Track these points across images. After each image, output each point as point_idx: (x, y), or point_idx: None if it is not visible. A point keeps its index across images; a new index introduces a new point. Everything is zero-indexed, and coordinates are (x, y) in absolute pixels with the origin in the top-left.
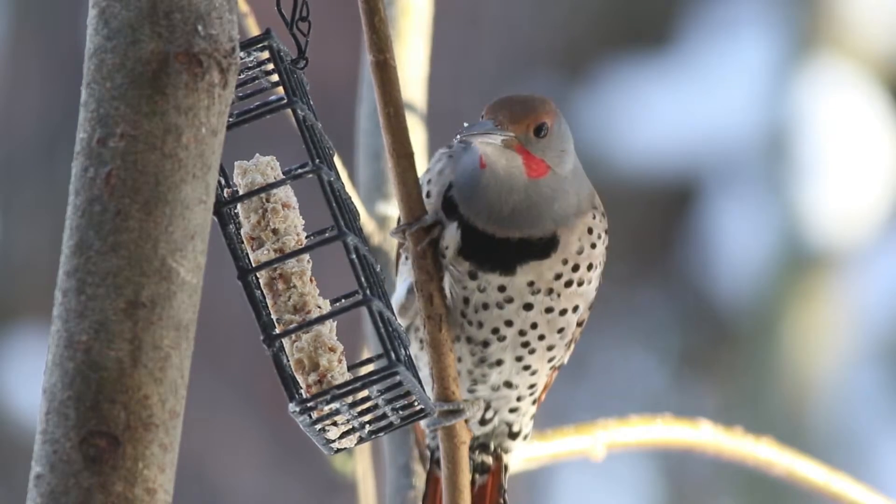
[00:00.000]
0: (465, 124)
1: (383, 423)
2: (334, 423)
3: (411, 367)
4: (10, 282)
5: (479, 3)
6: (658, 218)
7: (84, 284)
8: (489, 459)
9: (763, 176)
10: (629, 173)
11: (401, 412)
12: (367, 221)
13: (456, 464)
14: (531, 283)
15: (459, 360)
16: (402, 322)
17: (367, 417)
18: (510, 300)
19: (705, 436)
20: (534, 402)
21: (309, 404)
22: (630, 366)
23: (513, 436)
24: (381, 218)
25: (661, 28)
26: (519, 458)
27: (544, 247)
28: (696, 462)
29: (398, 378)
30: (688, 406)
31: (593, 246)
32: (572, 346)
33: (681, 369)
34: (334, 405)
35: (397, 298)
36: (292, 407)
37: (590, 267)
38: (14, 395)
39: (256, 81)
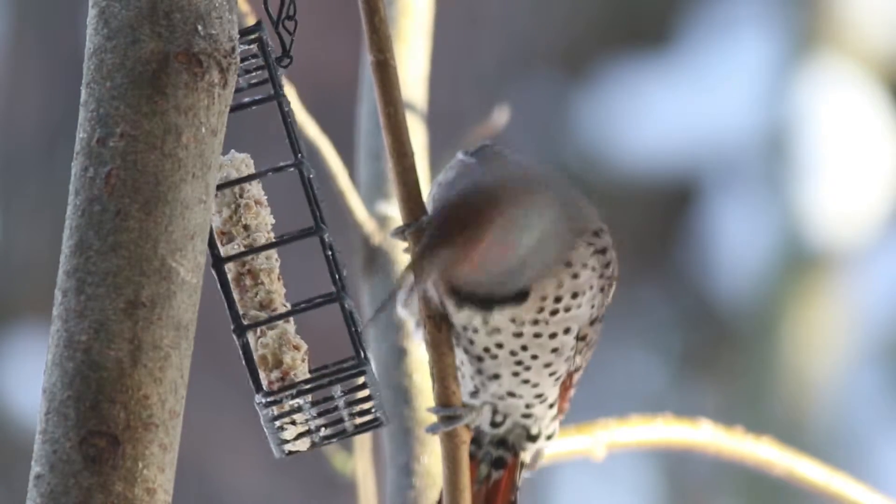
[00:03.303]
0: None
1: (336, 428)
2: (293, 422)
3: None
4: (10, 282)
5: (479, 3)
6: (658, 218)
7: (84, 284)
8: (507, 455)
9: (763, 176)
10: (629, 173)
11: (356, 419)
12: (367, 221)
13: (456, 464)
14: (513, 320)
15: (462, 364)
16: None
17: (323, 420)
18: (497, 331)
19: (705, 436)
20: (551, 406)
21: (275, 397)
22: (630, 366)
23: (531, 438)
24: (382, 218)
25: (661, 28)
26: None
27: (515, 298)
28: (696, 462)
29: (363, 379)
30: (688, 406)
31: (575, 276)
32: (587, 354)
33: (681, 369)
34: (298, 401)
35: (400, 297)
36: (258, 398)
37: (575, 295)
38: (14, 395)
39: (248, 74)
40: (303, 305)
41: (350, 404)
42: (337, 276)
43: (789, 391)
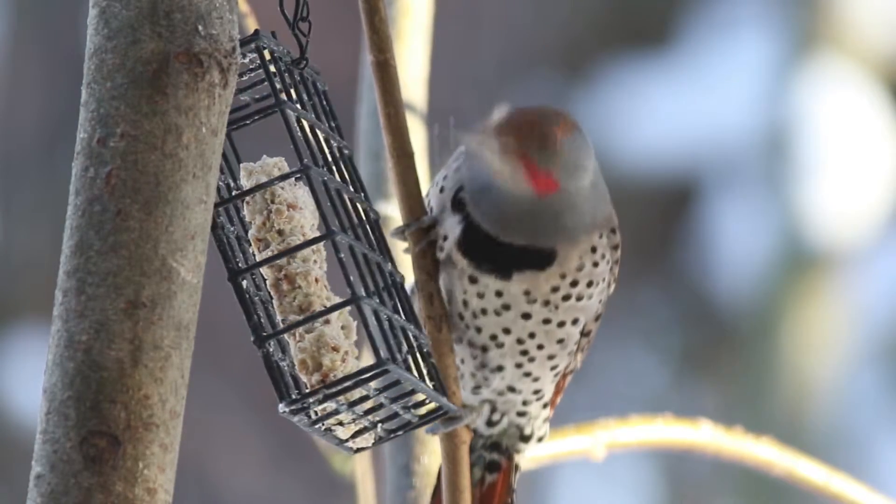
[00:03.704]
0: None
1: (399, 421)
2: (340, 423)
3: (419, 365)
4: (10, 282)
5: (479, 3)
6: (658, 218)
7: (84, 284)
8: (500, 458)
9: (763, 176)
10: (629, 173)
11: (414, 410)
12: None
13: (456, 464)
14: (527, 293)
15: (462, 361)
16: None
17: (377, 416)
18: (507, 307)
19: (705, 436)
20: (544, 406)
21: (301, 405)
22: (630, 366)
23: (524, 439)
24: (382, 218)
25: (661, 28)
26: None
27: (542, 258)
28: (696, 462)
29: (394, 377)
30: (688, 406)
31: (595, 264)
32: (584, 353)
33: (681, 369)
34: (330, 404)
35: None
36: (282, 407)
37: (590, 284)
38: (14, 395)
39: (265, 83)
40: (319, 310)
41: (395, 400)
42: (351, 278)
43: (789, 391)
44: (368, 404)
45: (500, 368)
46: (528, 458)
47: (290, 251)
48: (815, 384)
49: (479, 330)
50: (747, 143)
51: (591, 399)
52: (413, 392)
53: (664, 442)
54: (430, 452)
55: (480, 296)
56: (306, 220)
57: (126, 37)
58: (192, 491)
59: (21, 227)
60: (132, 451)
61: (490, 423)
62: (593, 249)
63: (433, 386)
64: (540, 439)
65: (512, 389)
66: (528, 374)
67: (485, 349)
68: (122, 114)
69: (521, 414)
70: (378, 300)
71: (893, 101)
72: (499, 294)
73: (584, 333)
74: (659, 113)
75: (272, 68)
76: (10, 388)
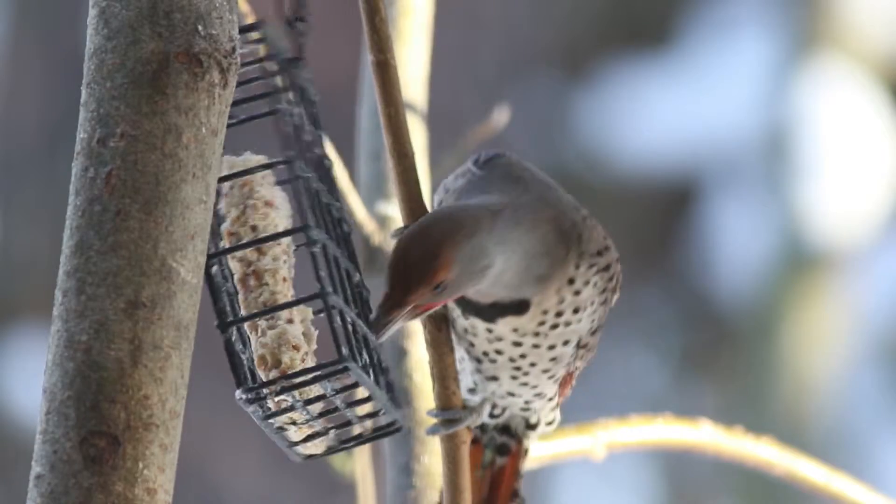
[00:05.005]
0: (372, 314)
1: (351, 432)
2: (293, 423)
3: (378, 375)
4: (10, 282)
5: (479, 3)
6: (658, 218)
7: (84, 284)
8: (511, 442)
9: (763, 176)
10: (629, 173)
11: (366, 421)
12: (367, 221)
13: (456, 464)
14: (515, 331)
15: (461, 359)
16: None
17: (331, 423)
18: (499, 339)
19: (705, 436)
20: (550, 399)
21: (257, 393)
22: (630, 366)
23: (531, 426)
24: (382, 218)
25: (661, 28)
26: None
27: (519, 308)
28: (696, 462)
29: (353, 378)
30: (688, 406)
31: (577, 293)
32: (587, 358)
33: (681, 369)
34: (285, 398)
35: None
36: (238, 394)
37: (576, 310)
38: (14, 395)
39: (258, 80)
40: (284, 301)
41: (350, 405)
42: (321, 273)
43: (789, 391)
44: (323, 405)
45: (494, 378)
46: (528, 459)
47: (265, 239)
48: (815, 384)
49: (471, 345)
50: (747, 143)
51: (591, 399)
52: (369, 399)
53: (664, 442)
54: (431, 452)
55: (471, 331)
56: (281, 220)
57: (126, 37)
58: (192, 491)
59: (21, 227)
60: (132, 451)
61: (492, 416)
62: (571, 280)
63: (389, 398)
64: (549, 423)
65: (511, 394)
66: (524, 385)
67: (479, 361)
68: (122, 114)
69: (524, 409)
70: (344, 302)
71: (893, 101)
72: (489, 331)
73: (581, 346)
74: (659, 113)
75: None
76: (10, 388)
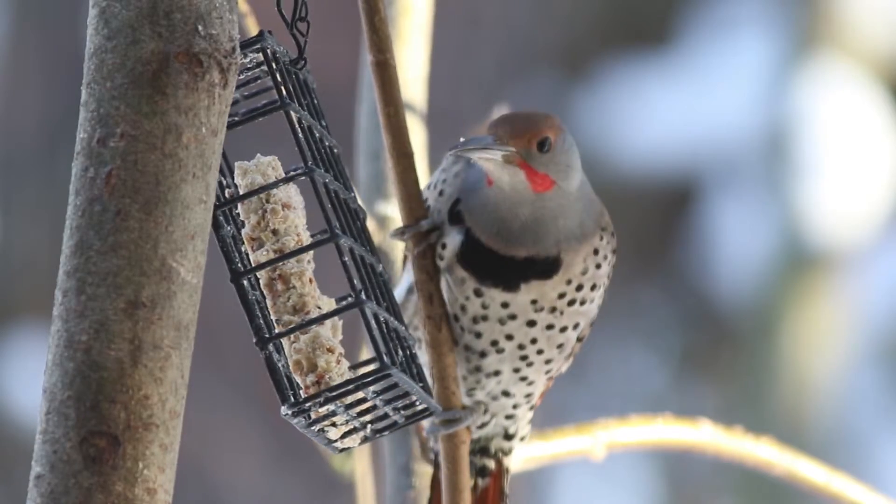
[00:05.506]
0: (462, 139)
1: (386, 422)
2: (333, 424)
3: (411, 366)
4: (10, 282)
5: (479, 3)
6: (658, 218)
7: (84, 284)
8: (490, 463)
9: (763, 176)
10: (629, 173)
11: (402, 411)
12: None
13: (456, 464)
14: (534, 301)
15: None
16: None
17: (367, 417)
18: (514, 317)
19: (705, 436)
20: (531, 409)
21: (302, 407)
22: (630, 366)
23: (508, 437)
24: (382, 218)
25: (661, 28)
26: (519, 458)
27: (548, 267)
28: (696, 462)
29: (393, 380)
30: (688, 406)
31: (598, 266)
32: (571, 359)
33: (681, 369)
34: (329, 407)
35: (397, 297)
36: (284, 410)
37: (593, 287)
38: (14, 395)
39: (259, 81)
40: (323, 312)
41: (388, 402)
42: (355, 282)
43: (789, 391)
44: (364, 406)
45: (496, 373)
46: (526, 458)
47: (297, 252)
48: (815, 384)
49: (478, 335)
50: (747, 143)
51: (591, 399)
52: (407, 394)
53: (664, 442)
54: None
55: (485, 306)
56: (299, 220)
57: (126, 37)
58: (192, 491)
59: (21, 227)
60: (132, 451)
61: (479, 426)
62: (595, 251)
63: (421, 387)
64: (522, 439)
65: (506, 394)
66: (524, 379)
67: (483, 354)
68: (122, 114)
69: (508, 417)
70: (375, 303)
71: (893, 101)
72: (505, 305)
73: (579, 339)
74: (659, 113)
75: (274, 67)
76: (10, 388)
